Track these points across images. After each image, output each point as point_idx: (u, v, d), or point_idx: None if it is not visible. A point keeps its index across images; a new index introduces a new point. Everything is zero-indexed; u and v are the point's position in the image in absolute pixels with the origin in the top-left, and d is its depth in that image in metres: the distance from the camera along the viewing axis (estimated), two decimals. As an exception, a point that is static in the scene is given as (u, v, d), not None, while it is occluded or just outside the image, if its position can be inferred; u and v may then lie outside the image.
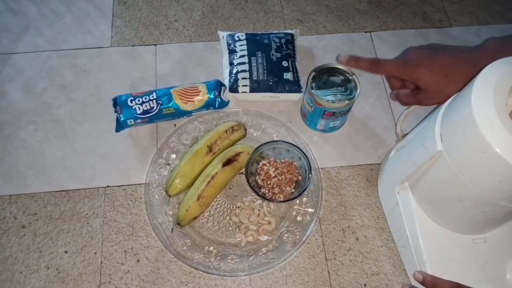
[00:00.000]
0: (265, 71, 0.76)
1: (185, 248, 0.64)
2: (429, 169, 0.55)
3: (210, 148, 0.69)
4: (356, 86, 0.69)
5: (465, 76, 0.54)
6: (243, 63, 0.77)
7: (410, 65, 0.63)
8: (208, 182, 0.66)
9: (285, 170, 0.69)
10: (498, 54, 0.49)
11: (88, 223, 0.67)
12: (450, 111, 0.51)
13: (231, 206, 0.69)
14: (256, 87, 0.75)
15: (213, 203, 0.69)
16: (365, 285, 0.64)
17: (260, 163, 0.70)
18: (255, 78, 0.76)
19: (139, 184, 0.70)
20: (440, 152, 0.51)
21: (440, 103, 0.56)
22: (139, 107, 0.71)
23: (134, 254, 0.65)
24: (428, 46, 0.63)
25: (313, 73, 0.70)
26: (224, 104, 0.75)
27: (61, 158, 0.72)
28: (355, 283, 0.64)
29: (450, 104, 0.53)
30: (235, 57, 0.78)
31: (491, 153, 0.44)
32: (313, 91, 0.68)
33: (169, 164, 0.71)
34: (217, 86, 0.74)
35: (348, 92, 0.68)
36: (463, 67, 0.55)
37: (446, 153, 0.50)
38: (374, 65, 0.67)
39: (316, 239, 0.67)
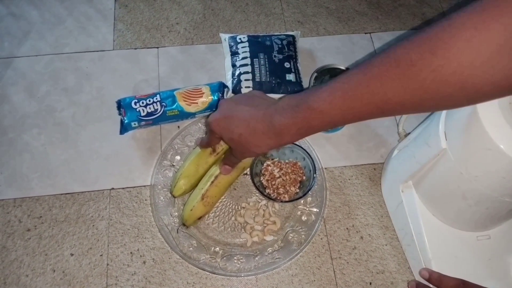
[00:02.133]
0: (267, 73, 0.77)
1: (191, 249, 0.64)
2: (433, 167, 0.56)
3: (213, 149, 0.69)
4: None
5: (259, 137, 0.50)
6: (246, 64, 0.78)
7: (211, 122, 0.56)
8: (212, 182, 0.66)
9: (290, 171, 0.69)
10: (288, 112, 0.47)
11: (93, 225, 0.67)
12: (455, 110, 0.52)
13: (236, 207, 0.69)
14: (258, 88, 0.76)
15: (218, 204, 0.69)
16: (370, 283, 0.65)
17: (265, 164, 0.71)
18: (257, 79, 0.76)
19: (144, 186, 0.71)
20: (445, 150, 0.52)
21: (250, 156, 0.58)
22: (143, 109, 0.71)
23: (140, 256, 0.65)
24: (238, 99, 0.56)
25: (315, 74, 0.71)
26: (227, 105, 0.76)
27: (65, 161, 0.73)
28: (361, 282, 0.65)
29: (453, 103, 0.53)
30: (238, 59, 0.79)
31: (496, 150, 0.45)
32: (316, 91, 0.69)
33: (173, 165, 0.71)
34: (220, 87, 0.75)
35: (350, 92, 0.69)
36: (257, 128, 0.50)
37: (451, 151, 0.51)
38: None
39: (321, 239, 0.68)
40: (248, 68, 0.77)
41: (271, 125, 0.49)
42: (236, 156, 0.59)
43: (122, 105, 0.72)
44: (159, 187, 0.69)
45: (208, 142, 0.63)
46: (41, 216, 0.68)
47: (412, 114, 0.78)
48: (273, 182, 0.68)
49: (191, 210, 0.65)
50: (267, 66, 0.77)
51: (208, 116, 0.60)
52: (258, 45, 0.80)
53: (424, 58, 0.36)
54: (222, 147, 0.70)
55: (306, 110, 0.45)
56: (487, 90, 0.35)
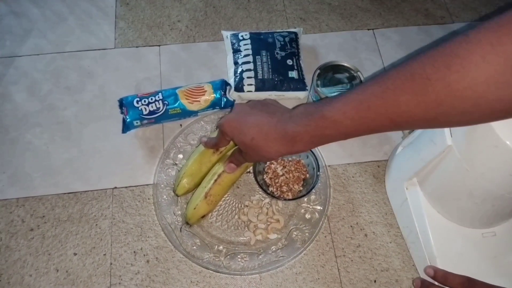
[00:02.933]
0: (270, 70, 0.76)
1: (194, 247, 0.64)
2: (438, 164, 0.55)
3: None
4: (361, 83, 0.69)
5: (271, 143, 0.51)
6: (248, 62, 0.77)
7: (223, 124, 0.57)
8: (215, 180, 0.66)
9: (293, 168, 0.69)
10: (302, 119, 0.48)
11: (96, 224, 0.67)
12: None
13: (240, 205, 0.69)
14: (261, 86, 0.76)
15: (221, 202, 0.69)
16: (375, 281, 0.64)
17: (268, 162, 0.70)
18: (260, 77, 0.76)
19: (147, 184, 0.70)
20: (450, 147, 0.51)
21: (261, 161, 0.57)
22: (145, 108, 0.71)
23: (144, 255, 0.65)
24: (253, 105, 0.56)
25: (318, 71, 0.70)
26: (229, 103, 0.75)
27: (67, 160, 0.72)
28: (365, 280, 0.64)
29: (459, 99, 0.53)
30: (240, 57, 0.78)
31: (502, 147, 0.44)
32: (318, 88, 0.68)
33: (176, 164, 0.71)
34: (223, 85, 0.74)
35: (354, 89, 0.68)
36: (270, 134, 0.50)
37: (456, 148, 0.51)
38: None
39: (325, 237, 0.67)
40: (250, 66, 0.77)
41: (284, 132, 0.49)
42: (246, 159, 0.59)
43: (124, 104, 0.72)
44: (162, 185, 0.69)
45: (216, 143, 0.63)
46: (44, 216, 0.68)
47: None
48: (277, 180, 0.68)
49: (195, 208, 0.65)
50: (269, 63, 0.77)
51: (220, 118, 0.59)
52: (260, 42, 0.79)
53: (439, 72, 0.36)
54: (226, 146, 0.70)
55: (320, 118, 0.46)
56: (501, 108, 0.35)
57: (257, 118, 0.53)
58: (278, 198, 0.67)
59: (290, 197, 0.67)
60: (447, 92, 0.36)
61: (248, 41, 0.79)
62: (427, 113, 0.38)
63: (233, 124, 0.55)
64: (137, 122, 0.72)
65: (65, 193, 0.70)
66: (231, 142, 0.70)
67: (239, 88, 0.76)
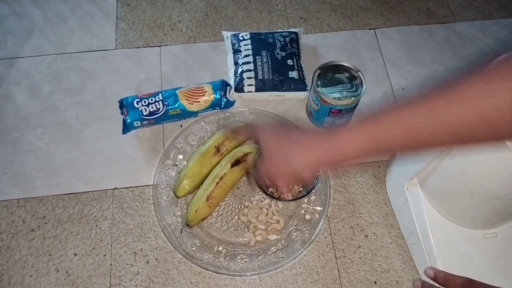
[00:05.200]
0: (270, 70, 0.76)
1: (194, 248, 0.64)
2: (439, 165, 0.55)
3: (217, 149, 0.69)
4: (361, 83, 0.68)
5: (301, 146, 0.49)
6: (248, 62, 0.77)
7: (259, 128, 0.55)
8: (217, 183, 0.66)
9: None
10: (354, 130, 0.46)
11: (96, 225, 0.67)
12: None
13: (239, 206, 0.69)
14: (261, 86, 0.75)
15: (221, 203, 0.69)
16: (375, 282, 0.64)
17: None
18: (260, 77, 0.76)
19: (147, 185, 0.71)
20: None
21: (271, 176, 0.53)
22: (145, 109, 0.71)
23: (144, 256, 0.65)
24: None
25: (318, 71, 0.70)
26: (230, 104, 0.75)
27: (68, 161, 0.73)
28: (365, 281, 0.64)
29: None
30: (240, 57, 0.78)
31: (502, 147, 0.44)
32: (318, 88, 0.68)
33: (176, 165, 0.71)
34: (223, 86, 0.74)
35: (354, 89, 0.68)
36: (299, 138, 0.50)
37: (457, 148, 0.50)
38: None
39: (325, 237, 0.67)
40: (251, 66, 0.76)
41: (327, 137, 0.48)
42: (281, 184, 0.55)
43: (124, 105, 0.72)
44: (162, 186, 0.69)
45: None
46: (44, 216, 0.68)
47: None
48: (277, 181, 0.68)
49: (196, 211, 0.65)
50: (269, 63, 0.76)
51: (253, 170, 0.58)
52: (260, 42, 0.79)
53: (450, 96, 0.38)
54: (226, 147, 0.70)
55: (335, 148, 0.46)
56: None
57: (296, 132, 0.52)
58: (278, 199, 0.66)
59: (290, 197, 0.66)
60: (459, 113, 0.38)
61: (249, 41, 0.79)
62: (435, 132, 0.40)
63: (271, 168, 0.52)
64: (137, 123, 0.72)
65: (65, 194, 0.70)
66: (234, 144, 0.70)
67: (239, 88, 0.75)
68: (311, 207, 0.68)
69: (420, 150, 0.49)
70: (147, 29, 0.86)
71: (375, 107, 0.46)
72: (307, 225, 0.66)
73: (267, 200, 0.69)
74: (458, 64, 0.83)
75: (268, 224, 0.67)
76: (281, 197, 0.66)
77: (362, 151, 0.45)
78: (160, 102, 0.71)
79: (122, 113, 0.72)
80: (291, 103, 0.78)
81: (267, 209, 0.68)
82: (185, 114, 0.73)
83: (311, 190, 0.65)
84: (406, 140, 0.42)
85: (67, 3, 0.89)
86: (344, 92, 0.68)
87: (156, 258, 0.65)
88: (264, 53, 0.77)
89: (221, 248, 0.65)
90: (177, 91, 0.73)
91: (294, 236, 0.66)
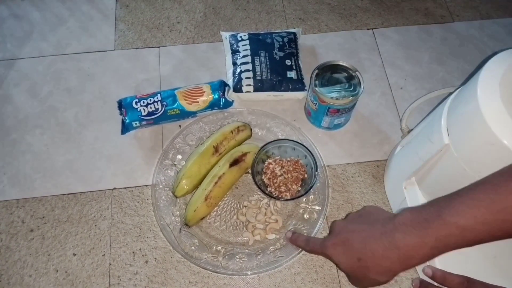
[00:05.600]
0: (268, 70, 0.76)
1: (193, 248, 0.64)
2: (436, 164, 0.55)
3: (216, 149, 0.69)
4: (359, 82, 0.69)
5: (380, 260, 0.44)
6: (247, 62, 0.77)
7: (327, 246, 0.50)
8: (216, 183, 0.66)
9: (291, 169, 0.69)
10: (414, 228, 0.42)
11: (96, 225, 0.68)
12: (456, 105, 0.51)
13: (238, 205, 0.69)
14: (260, 86, 0.76)
15: (220, 202, 0.69)
16: (374, 281, 0.64)
17: (266, 162, 0.70)
18: (258, 77, 0.76)
19: (146, 185, 0.71)
20: (447, 145, 0.51)
21: (374, 286, 0.47)
22: (144, 109, 0.71)
23: (143, 255, 0.65)
24: (352, 218, 0.52)
25: (316, 71, 0.70)
26: (228, 104, 0.75)
27: (67, 161, 0.73)
28: (364, 280, 0.64)
29: (456, 98, 0.52)
30: (238, 57, 0.78)
31: (499, 145, 0.44)
32: (316, 88, 0.68)
33: (175, 165, 0.71)
34: (221, 86, 0.74)
35: (352, 89, 0.68)
36: (377, 250, 0.44)
37: (453, 147, 0.50)
38: (305, 242, 0.58)
39: (324, 237, 0.67)
40: (249, 66, 0.77)
41: (392, 246, 0.43)
42: (358, 286, 0.51)
43: (123, 105, 0.72)
44: (161, 186, 0.69)
45: (310, 250, 0.56)
46: (44, 217, 0.68)
47: (416, 110, 0.77)
48: (275, 181, 0.68)
49: (195, 211, 0.65)
50: (268, 64, 0.77)
51: (322, 241, 0.53)
52: (258, 43, 0.79)
53: None
54: (225, 147, 0.70)
55: (441, 226, 0.40)
56: None
57: (360, 234, 0.47)
58: (276, 198, 0.67)
59: (289, 197, 0.67)
60: None
61: (247, 42, 0.79)
62: None
63: (337, 248, 0.49)
64: (136, 123, 0.72)
65: (64, 194, 0.70)
66: (233, 144, 0.70)
67: (237, 88, 0.76)
68: (309, 207, 0.68)
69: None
70: (146, 30, 0.87)
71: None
72: (306, 225, 0.67)
73: (266, 200, 0.69)
74: (457, 64, 0.84)
75: (267, 223, 0.67)
76: (280, 196, 0.67)
77: (481, 224, 0.39)
78: (159, 102, 0.72)
79: (121, 114, 0.73)
80: (289, 103, 0.78)
81: (265, 208, 0.68)
82: (184, 114, 0.73)
83: (310, 189, 0.66)
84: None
85: (66, 5, 0.90)
86: (342, 92, 0.68)
87: (155, 258, 0.65)
88: (262, 53, 0.78)
89: (219, 247, 0.65)
90: (175, 92, 0.73)
91: (292, 236, 0.66)
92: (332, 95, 0.68)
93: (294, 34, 0.82)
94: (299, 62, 0.79)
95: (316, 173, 0.67)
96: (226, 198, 0.70)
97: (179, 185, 0.67)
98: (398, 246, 0.42)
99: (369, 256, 0.45)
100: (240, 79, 0.76)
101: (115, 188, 0.71)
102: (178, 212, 0.67)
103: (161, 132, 0.75)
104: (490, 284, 0.54)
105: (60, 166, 0.72)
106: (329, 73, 0.70)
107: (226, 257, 0.64)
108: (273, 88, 0.76)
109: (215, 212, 0.68)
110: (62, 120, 0.77)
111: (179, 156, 0.72)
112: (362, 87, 0.68)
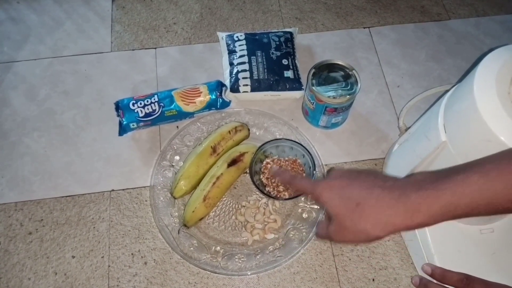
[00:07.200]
0: (265, 70, 0.76)
1: (192, 249, 0.64)
2: (434, 161, 0.55)
3: (214, 149, 0.69)
4: (356, 81, 0.69)
5: (382, 209, 0.41)
6: (243, 62, 0.77)
7: (321, 185, 0.47)
8: (214, 183, 0.66)
9: (289, 168, 0.69)
10: (430, 183, 0.40)
11: (94, 227, 0.67)
12: (453, 101, 0.51)
13: (237, 206, 0.69)
14: (257, 86, 0.76)
15: (218, 203, 0.69)
16: (373, 279, 0.64)
17: (264, 162, 0.70)
18: (255, 77, 0.76)
19: (144, 186, 0.71)
20: (444, 142, 0.51)
21: (353, 242, 0.43)
22: (141, 110, 0.71)
23: (141, 257, 0.65)
24: (357, 171, 0.48)
25: (313, 70, 0.70)
26: (225, 104, 0.75)
27: (66, 164, 0.73)
28: (363, 278, 0.64)
29: (452, 95, 0.53)
30: (235, 57, 0.78)
31: (496, 142, 0.44)
32: (313, 87, 0.68)
33: (173, 166, 0.71)
34: (218, 86, 0.74)
35: (349, 87, 0.68)
36: (382, 198, 0.41)
37: (451, 144, 0.50)
38: (292, 177, 0.54)
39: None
40: (246, 66, 0.77)
41: (403, 197, 0.40)
42: (335, 236, 0.47)
43: (120, 107, 0.72)
44: (159, 187, 0.69)
45: (297, 186, 0.53)
46: (42, 219, 0.68)
47: (414, 108, 0.77)
48: (273, 180, 0.68)
49: (193, 211, 0.65)
50: (264, 63, 0.77)
51: (315, 181, 0.50)
52: (255, 42, 0.79)
53: None
54: (222, 147, 0.70)
55: (460, 182, 0.38)
56: None
57: (365, 182, 0.44)
58: (275, 198, 0.67)
59: (287, 196, 0.67)
60: None
61: (243, 42, 0.79)
62: None
63: (334, 187, 0.45)
64: (133, 125, 0.72)
65: (63, 197, 0.70)
66: (230, 144, 0.70)
67: (234, 88, 0.76)
68: (308, 206, 0.68)
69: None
70: (142, 31, 0.87)
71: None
72: (305, 224, 0.67)
73: (264, 200, 0.69)
74: (453, 62, 0.84)
75: (266, 223, 0.67)
76: (278, 196, 0.67)
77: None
78: (156, 103, 0.72)
79: (118, 115, 0.73)
80: (286, 102, 0.78)
81: (264, 208, 0.68)
82: (181, 115, 0.73)
83: (308, 188, 0.66)
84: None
85: (63, 7, 0.89)
86: (339, 91, 0.68)
87: (154, 259, 0.65)
88: (259, 53, 0.78)
89: (218, 248, 0.65)
90: (172, 92, 0.73)
91: (291, 235, 0.66)
92: (329, 94, 0.68)
93: (291, 33, 0.82)
94: (296, 61, 0.79)
95: (314, 172, 0.67)
96: (225, 198, 0.70)
97: (177, 186, 0.67)
98: (409, 196, 0.40)
99: (371, 203, 0.42)
100: (237, 79, 0.76)
101: (113, 190, 0.71)
102: (176, 213, 0.67)
103: (159, 133, 0.75)
104: (489, 281, 0.54)
105: (58, 169, 0.72)
106: (326, 72, 0.70)
107: (225, 257, 0.64)
108: (270, 87, 0.76)
109: (213, 213, 0.68)
110: (60, 123, 0.77)
111: (177, 157, 0.72)
112: (359, 85, 0.68)
